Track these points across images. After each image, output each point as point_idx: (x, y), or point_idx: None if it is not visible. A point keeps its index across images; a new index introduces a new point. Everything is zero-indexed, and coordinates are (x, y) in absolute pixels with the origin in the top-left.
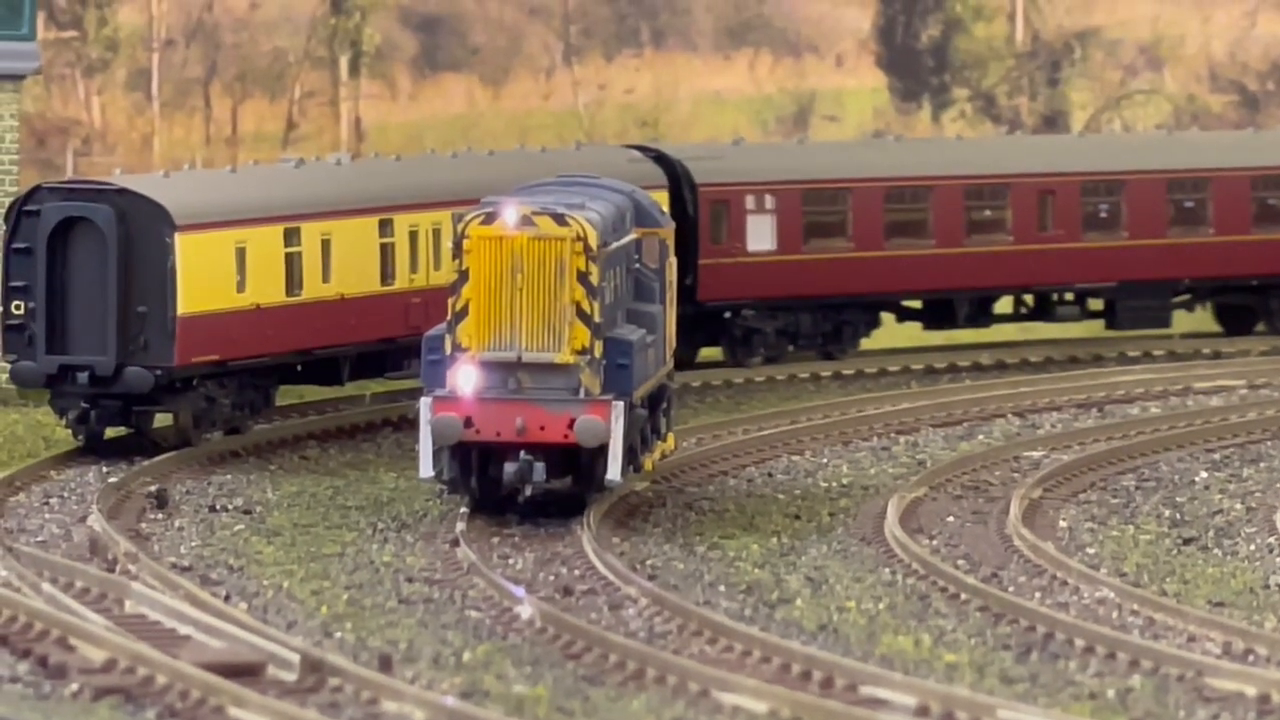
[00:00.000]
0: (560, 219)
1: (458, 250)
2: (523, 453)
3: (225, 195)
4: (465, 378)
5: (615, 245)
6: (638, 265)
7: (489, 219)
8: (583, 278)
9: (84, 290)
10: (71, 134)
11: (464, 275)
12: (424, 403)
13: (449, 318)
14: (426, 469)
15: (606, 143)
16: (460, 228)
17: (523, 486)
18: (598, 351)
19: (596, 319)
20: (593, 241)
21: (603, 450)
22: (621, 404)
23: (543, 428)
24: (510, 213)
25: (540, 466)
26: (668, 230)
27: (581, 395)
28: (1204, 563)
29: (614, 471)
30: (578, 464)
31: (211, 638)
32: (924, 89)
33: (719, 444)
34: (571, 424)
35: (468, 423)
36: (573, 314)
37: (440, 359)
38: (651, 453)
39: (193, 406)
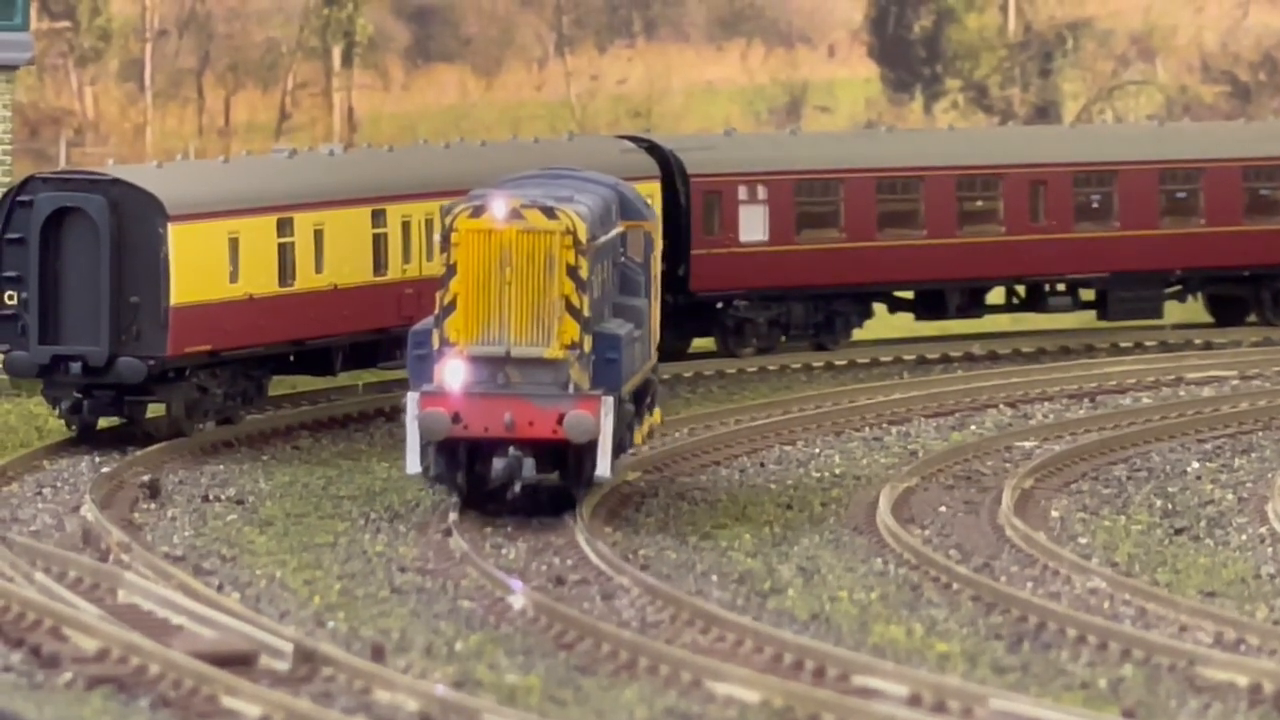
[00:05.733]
0: (550, 212)
1: (445, 244)
2: (511, 448)
3: (218, 185)
4: (453, 373)
5: (603, 239)
6: (623, 258)
7: (477, 212)
8: (572, 272)
9: (77, 280)
10: (64, 124)
11: (451, 269)
12: (411, 398)
13: (436, 312)
14: (414, 465)
15: (599, 133)
16: (448, 221)
17: (512, 482)
18: (587, 346)
19: (586, 313)
20: (582, 235)
21: (592, 446)
22: (611, 399)
23: (531, 423)
24: (499, 206)
25: (530, 462)
26: (653, 223)
27: (571, 390)
28: (1195, 553)
29: (603, 468)
30: (565, 460)
31: (204, 627)
32: (916, 80)
33: (711, 434)
34: (561, 419)
35: (456, 418)
36: (562, 308)
37: (427, 354)
38: (640, 428)
39: (185, 396)
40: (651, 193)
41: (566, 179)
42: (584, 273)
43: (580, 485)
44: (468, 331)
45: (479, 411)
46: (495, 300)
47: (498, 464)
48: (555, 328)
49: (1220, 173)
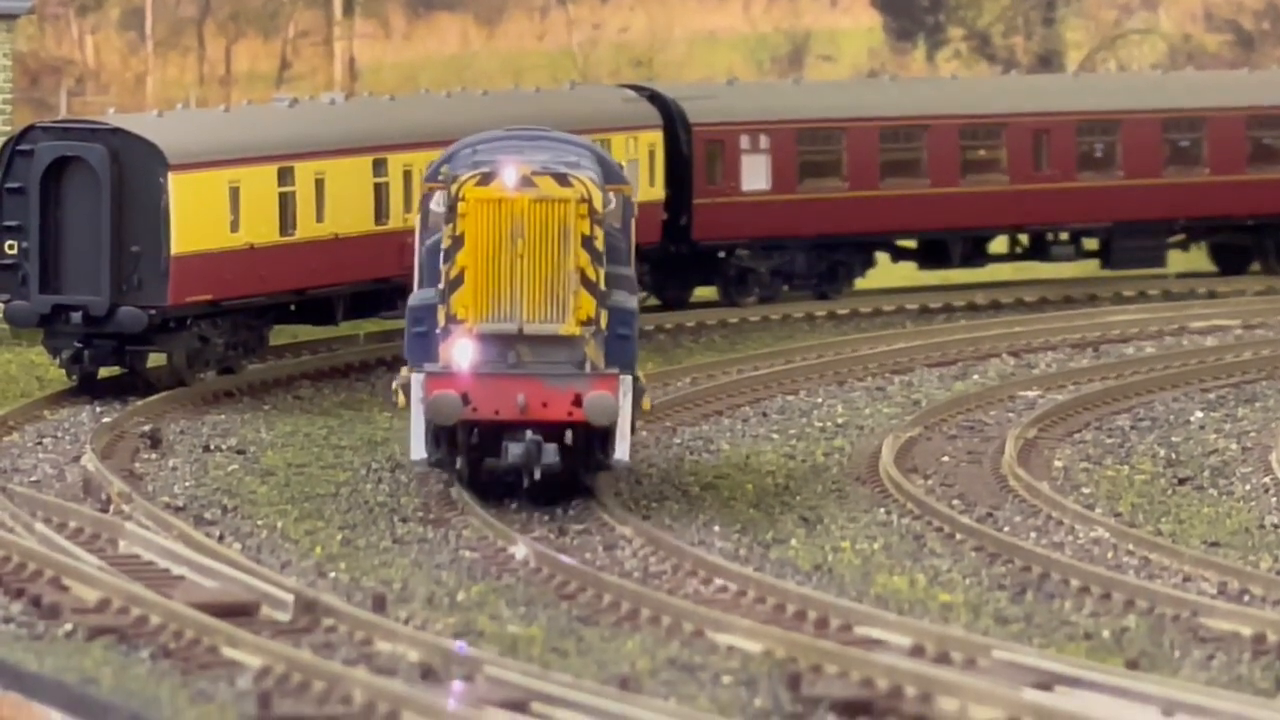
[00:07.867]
0: (563, 179)
1: (451, 214)
2: (529, 432)
3: (219, 135)
4: (462, 352)
5: (610, 206)
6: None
7: (485, 180)
8: (587, 242)
9: (78, 230)
10: (65, 73)
11: (458, 240)
12: (415, 379)
13: (441, 286)
14: (419, 451)
15: (601, 83)
16: (454, 189)
17: (530, 470)
18: (603, 322)
19: (602, 287)
20: (598, 203)
21: (609, 428)
22: (629, 377)
23: (545, 404)
24: (510, 173)
25: (551, 448)
26: (630, 186)
27: (587, 369)
28: (1199, 502)
29: (622, 451)
30: (575, 441)
31: (205, 578)
32: (919, 28)
33: (713, 384)
34: (578, 400)
35: (465, 400)
36: (577, 282)
37: (428, 331)
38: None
39: (186, 346)
40: (654, 142)
41: (542, 140)
42: (599, 243)
43: (590, 469)
44: (477, 308)
45: (489, 393)
46: (506, 274)
47: (515, 449)
48: (571, 303)
49: (1224, 122)
